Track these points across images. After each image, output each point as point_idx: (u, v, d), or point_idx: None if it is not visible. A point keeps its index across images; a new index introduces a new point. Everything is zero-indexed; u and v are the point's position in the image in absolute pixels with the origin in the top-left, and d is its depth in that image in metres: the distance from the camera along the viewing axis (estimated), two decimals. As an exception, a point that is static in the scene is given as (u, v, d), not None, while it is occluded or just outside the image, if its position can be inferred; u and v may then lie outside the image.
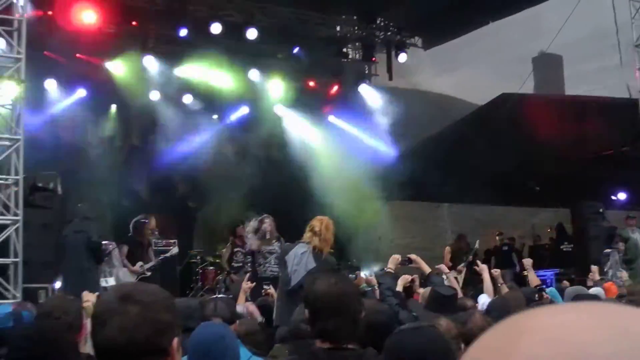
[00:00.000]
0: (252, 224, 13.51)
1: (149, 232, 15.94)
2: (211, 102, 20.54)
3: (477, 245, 18.10)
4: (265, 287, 9.12)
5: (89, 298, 7.56)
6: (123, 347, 2.21)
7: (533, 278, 10.63)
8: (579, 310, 0.83)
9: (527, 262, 11.42)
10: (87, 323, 4.83)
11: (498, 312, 6.31)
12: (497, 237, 21.78)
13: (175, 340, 2.32)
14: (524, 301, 8.02)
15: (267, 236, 14.02)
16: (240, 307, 8.12)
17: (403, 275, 8.17)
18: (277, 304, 9.00)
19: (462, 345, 4.70)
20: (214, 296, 6.47)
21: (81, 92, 19.15)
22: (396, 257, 8.27)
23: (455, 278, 14.34)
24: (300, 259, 8.82)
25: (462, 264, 16.90)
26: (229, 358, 4.14)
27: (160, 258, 16.04)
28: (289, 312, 8.21)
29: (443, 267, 11.86)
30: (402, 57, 21.77)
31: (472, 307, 7.60)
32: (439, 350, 2.87)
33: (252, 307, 8.85)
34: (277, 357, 5.37)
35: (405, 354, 2.76)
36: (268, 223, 14.01)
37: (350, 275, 14.93)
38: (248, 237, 14.46)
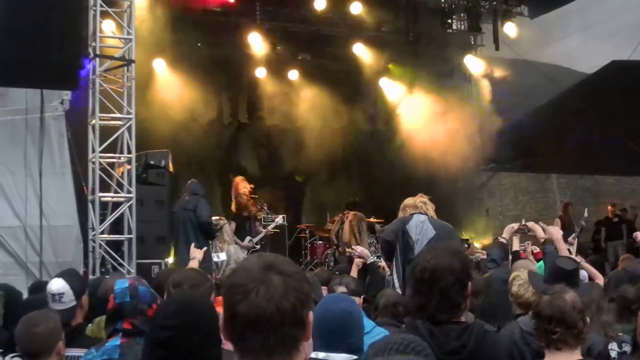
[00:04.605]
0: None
1: (254, 207, 16.21)
2: (316, 76, 20.53)
3: (586, 214, 17.74)
4: (377, 259, 9.04)
5: (195, 255, 7.64)
6: (269, 316, 2.16)
7: None
8: None
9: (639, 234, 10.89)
10: (213, 298, 4.85)
11: (617, 283, 6.17)
12: (608, 208, 21.32)
13: (310, 313, 2.27)
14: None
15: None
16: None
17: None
18: (395, 279, 8.90)
19: (587, 320, 4.53)
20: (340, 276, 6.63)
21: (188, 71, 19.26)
22: (512, 227, 8.08)
23: (568, 250, 14.10)
24: (421, 227, 8.76)
25: (573, 235, 16.54)
26: (357, 332, 3.98)
27: (266, 230, 16.27)
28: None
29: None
30: (509, 27, 21.43)
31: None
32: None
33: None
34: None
35: None
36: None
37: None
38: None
